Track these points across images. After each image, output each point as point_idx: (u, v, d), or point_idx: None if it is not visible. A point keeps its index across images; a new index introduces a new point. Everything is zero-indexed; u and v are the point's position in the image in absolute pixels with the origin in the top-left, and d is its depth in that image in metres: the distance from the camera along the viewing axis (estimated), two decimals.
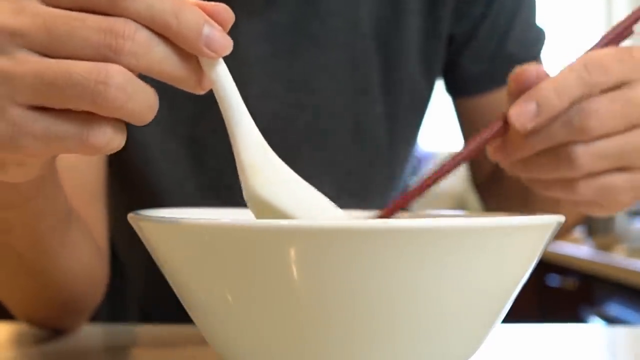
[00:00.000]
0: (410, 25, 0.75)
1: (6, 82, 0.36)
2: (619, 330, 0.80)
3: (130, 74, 0.37)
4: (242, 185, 0.44)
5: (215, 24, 0.39)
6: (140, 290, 0.84)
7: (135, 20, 0.37)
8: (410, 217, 0.63)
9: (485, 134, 0.50)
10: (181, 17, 0.37)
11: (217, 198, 0.71)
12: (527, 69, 0.49)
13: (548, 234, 0.43)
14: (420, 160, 2.38)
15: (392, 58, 0.75)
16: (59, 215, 0.56)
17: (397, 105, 0.77)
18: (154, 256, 0.45)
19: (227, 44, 0.39)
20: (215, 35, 0.39)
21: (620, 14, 2.55)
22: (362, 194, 0.76)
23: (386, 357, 0.41)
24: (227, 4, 0.69)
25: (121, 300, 0.87)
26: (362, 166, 0.76)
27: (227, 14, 0.40)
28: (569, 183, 0.50)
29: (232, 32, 0.70)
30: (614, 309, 2.06)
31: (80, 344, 0.66)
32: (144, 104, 0.37)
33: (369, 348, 0.40)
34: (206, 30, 0.38)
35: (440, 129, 2.52)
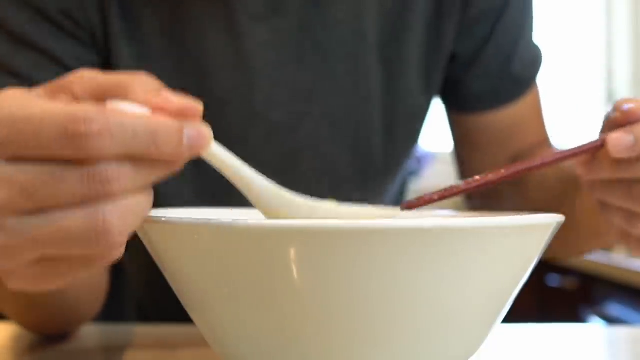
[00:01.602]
0: (413, 40, 0.75)
1: (7, 256, 0.36)
2: (619, 330, 0.80)
3: (123, 205, 0.35)
4: None
5: (190, 126, 0.37)
6: (140, 290, 0.84)
7: (113, 159, 0.35)
8: (411, 217, 0.63)
9: (581, 148, 0.53)
10: (159, 142, 0.36)
11: (216, 204, 0.71)
12: (638, 106, 0.52)
13: (548, 234, 0.43)
14: (420, 161, 2.38)
15: (394, 70, 0.75)
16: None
17: (395, 117, 0.77)
18: (154, 256, 0.45)
19: (206, 140, 0.38)
20: (194, 139, 0.37)
21: (621, 14, 2.55)
22: (358, 199, 0.76)
23: (386, 357, 0.41)
24: (233, 9, 0.70)
25: (119, 300, 0.87)
26: (359, 173, 0.77)
27: (195, 109, 0.38)
28: (633, 217, 0.53)
29: (237, 38, 0.70)
30: (614, 309, 2.06)
31: (80, 344, 0.66)
32: (143, 214, 0.37)
33: (369, 348, 0.40)
34: (185, 139, 0.37)
35: (440, 129, 2.52)
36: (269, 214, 0.46)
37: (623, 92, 2.44)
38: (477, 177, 0.51)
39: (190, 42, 0.70)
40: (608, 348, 0.63)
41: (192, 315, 0.45)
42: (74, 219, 0.35)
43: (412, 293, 0.39)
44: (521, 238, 0.41)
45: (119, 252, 0.37)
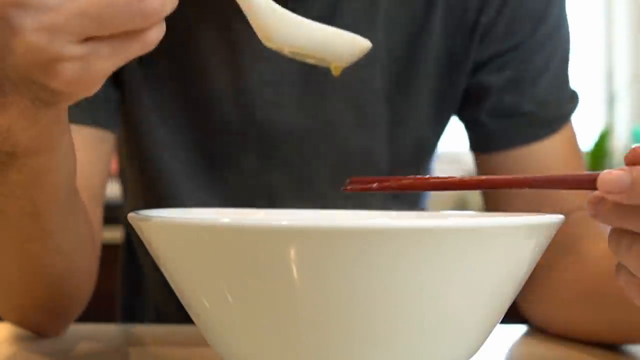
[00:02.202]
0: (424, 87, 0.73)
1: (55, 34, 0.38)
2: None
3: None
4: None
5: None
6: (157, 291, 0.85)
7: None
8: (411, 217, 0.63)
9: (577, 177, 0.45)
10: None
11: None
12: None
13: (548, 234, 0.43)
14: None
15: (402, 115, 0.74)
16: (69, 179, 0.56)
17: (401, 160, 0.76)
18: (153, 256, 0.45)
19: None
20: None
21: (621, 14, 2.54)
22: None
23: (386, 357, 0.41)
24: (236, 44, 0.70)
25: (138, 301, 0.88)
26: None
27: None
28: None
29: (238, 74, 0.71)
30: None
31: (80, 344, 0.66)
32: None
33: (368, 348, 0.40)
34: None
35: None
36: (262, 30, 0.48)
37: (623, 92, 2.44)
38: (434, 177, 0.47)
39: (196, 70, 0.72)
40: (608, 348, 0.63)
41: (192, 315, 0.46)
42: None
43: (412, 293, 0.39)
44: (521, 238, 0.41)
45: (157, 32, 0.41)
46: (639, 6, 2.45)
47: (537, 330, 0.72)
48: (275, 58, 0.70)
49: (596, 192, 0.44)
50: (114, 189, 0.88)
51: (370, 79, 0.72)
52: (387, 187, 0.49)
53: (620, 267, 0.45)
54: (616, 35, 2.46)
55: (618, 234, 0.44)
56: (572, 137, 0.76)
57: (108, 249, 0.73)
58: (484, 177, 0.48)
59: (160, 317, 0.85)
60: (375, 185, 0.49)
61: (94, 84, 0.42)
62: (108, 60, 0.41)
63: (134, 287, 0.90)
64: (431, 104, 0.74)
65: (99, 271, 0.69)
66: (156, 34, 0.41)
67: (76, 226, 0.61)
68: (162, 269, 0.45)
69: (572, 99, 0.76)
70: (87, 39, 0.39)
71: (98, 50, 0.40)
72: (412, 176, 0.48)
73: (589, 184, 0.43)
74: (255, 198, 0.74)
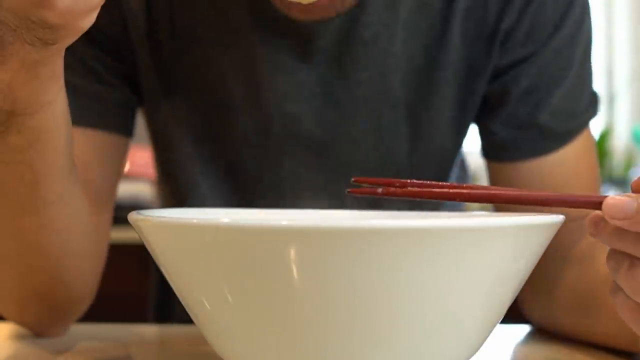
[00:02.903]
0: (444, 96, 0.72)
1: None
2: None
3: None
4: None
5: None
6: None
7: None
8: (412, 217, 0.63)
9: (581, 198, 0.46)
10: None
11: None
12: None
13: (548, 234, 0.43)
14: None
15: (422, 128, 0.73)
16: (67, 145, 0.57)
17: (422, 172, 0.75)
18: (153, 256, 0.45)
19: None
20: None
21: (621, 14, 2.54)
22: None
23: (386, 357, 0.41)
24: (254, 60, 0.70)
25: (168, 301, 0.88)
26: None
27: None
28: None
29: (258, 88, 0.70)
30: None
31: (80, 343, 0.65)
32: None
33: (368, 348, 0.40)
34: None
35: None
36: None
37: (623, 91, 2.44)
38: (440, 185, 0.48)
39: (215, 83, 0.72)
40: (609, 348, 0.63)
41: (192, 315, 0.45)
42: None
43: (412, 293, 0.39)
44: (521, 238, 0.41)
45: None
46: (639, 6, 2.45)
47: (539, 331, 0.72)
48: (294, 71, 0.70)
49: (598, 212, 0.45)
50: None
51: (390, 89, 0.72)
52: (392, 192, 0.49)
53: (616, 287, 0.46)
54: (616, 34, 2.46)
55: (617, 255, 0.45)
56: (586, 147, 0.74)
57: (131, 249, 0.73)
58: (492, 190, 0.48)
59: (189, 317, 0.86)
60: (380, 190, 0.48)
61: (88, 15, 0.45)
62: None
63: (162, 288, 0.91)
64: (451, 113, 0.74)
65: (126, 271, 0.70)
66: None
67: (72, 200, 0.61)
68: (162, 269, 0.45)
69: (589, 106, 0.74)
70: None
71: None
72: (418, 181, 0.49)
73: (594, 206, 0.44)
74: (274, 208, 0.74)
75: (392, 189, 0.49)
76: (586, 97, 0.74)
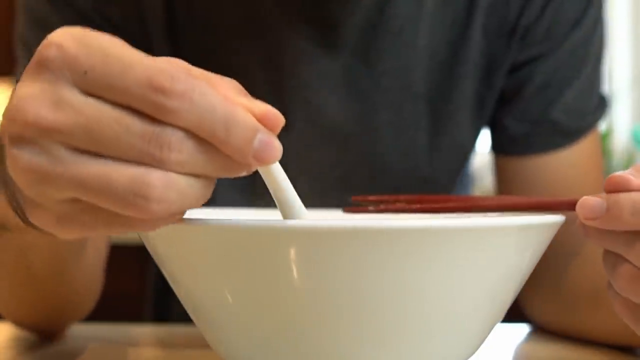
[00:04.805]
0: (464, 90, 0.73)
1: (44, 182, 0.34)
2: None
3: (172, 178, 0.34)
4: None
5: (265, 132, 0.36)
6: None
7: (182, 128, 0.34)
8: (413, 217, 0.63)
9: (559, 201, 0.47)
10: (231, 130, 0.35)
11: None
12: (625, 179, 0.44)
13: (549, 234, 0.43)
14: None
15: (441, 122, 0.74)
16: (67, 250, 0.58)
17: (442, 166, 0.75)
18: (153, 256, 0.45)
19: (276, 154, 0.36)
20: (264, 146, 0.36)
21: (621, 14, 2.54)
22: None
23: (385, 357, 0.41)
24: (276, 49, 0.69)
25: (166, 300, 0.88)
26: None
27: (277, 119, 0.37)
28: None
29: (279, 77, 0.70)
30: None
31: (79, 344, 0.66)
32: (189, 201, 0.35)
33: (368, 348, 0.40)
34: (256, 143, 0.35)
35: None
36: None
37: (623, 92, 2.44)
38: (427, 198, 0.50)
39: (236, 72, 0.71)
40: (611, 347, 0.63)
41: (193, 315, 0.45)
42: (119, 172, 0.34)
43: (412, 293, 0.39)
44: (522, 238, 0.41)
45: (149, 225, 0.36)
46: (639, 6, 2.45)
47: (540, 330, 0.72)
48: (316, 60, 0.70)
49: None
50: None
51: (412, 83, 0.72)
52: (382, 209, 0.51)
53: (609, 284, 0.46)
54: (616, 35, 2.46)
55: (607, 253, 0.45)
56: (593, 147, 0.75)
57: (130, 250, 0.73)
58: (476, 201, 0.51)
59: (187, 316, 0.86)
60: (371, 207, 0.51)
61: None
62: (85, 225, 0.36)
63: (160, 287, 0.91)
64: (470, 108, 0.74)
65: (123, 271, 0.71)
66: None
67: (91, 265, 0.63)
68: (162, 269, 0.45)
69: (598, 107, 0.75)
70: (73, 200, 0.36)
71: (78, 213, 0.36)
72: (405, 196, 0.52)
73: (569, 207, 0.45)
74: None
75: (381, 207, 0.51)
76: (595, 98, 0.75)
